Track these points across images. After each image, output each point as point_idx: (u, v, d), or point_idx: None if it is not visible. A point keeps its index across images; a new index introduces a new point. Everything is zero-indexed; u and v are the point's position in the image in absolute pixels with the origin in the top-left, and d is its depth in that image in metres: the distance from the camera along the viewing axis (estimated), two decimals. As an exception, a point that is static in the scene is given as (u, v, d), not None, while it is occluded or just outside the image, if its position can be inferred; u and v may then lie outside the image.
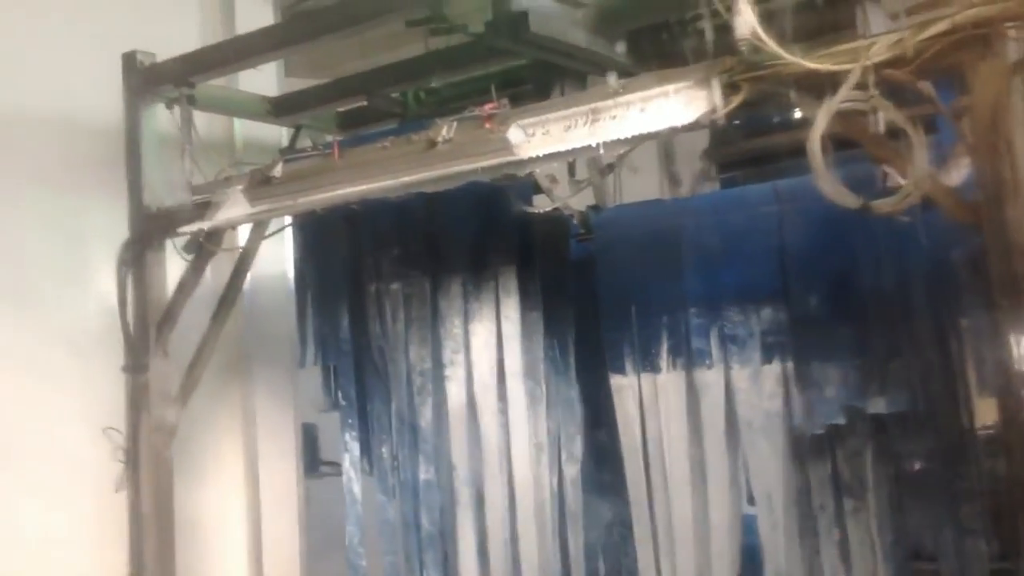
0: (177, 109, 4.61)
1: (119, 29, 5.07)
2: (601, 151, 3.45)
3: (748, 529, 3.87)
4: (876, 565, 3.56)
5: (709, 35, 3.22)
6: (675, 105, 3.21)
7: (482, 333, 4.47)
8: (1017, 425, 2.69)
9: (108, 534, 4.83)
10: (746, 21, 2.94)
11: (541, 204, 4.35)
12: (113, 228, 4.79)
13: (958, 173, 3.10)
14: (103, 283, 4.93)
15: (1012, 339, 2.67)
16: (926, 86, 2.99)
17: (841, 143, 3.02)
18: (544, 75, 4.48)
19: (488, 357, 4.45)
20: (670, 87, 3.23)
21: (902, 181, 2.98)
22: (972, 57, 2.83)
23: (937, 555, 3.50)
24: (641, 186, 4.85)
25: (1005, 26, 2.79)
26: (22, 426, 4.91)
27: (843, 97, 2.89)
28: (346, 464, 4.88)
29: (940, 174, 3.06)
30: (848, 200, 2.90)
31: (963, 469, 3.46)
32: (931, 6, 3.05)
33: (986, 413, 3.33)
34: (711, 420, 3.89)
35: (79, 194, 5.23)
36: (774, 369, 3.76)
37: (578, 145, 3.43)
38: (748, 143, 4.62)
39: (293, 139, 5.27)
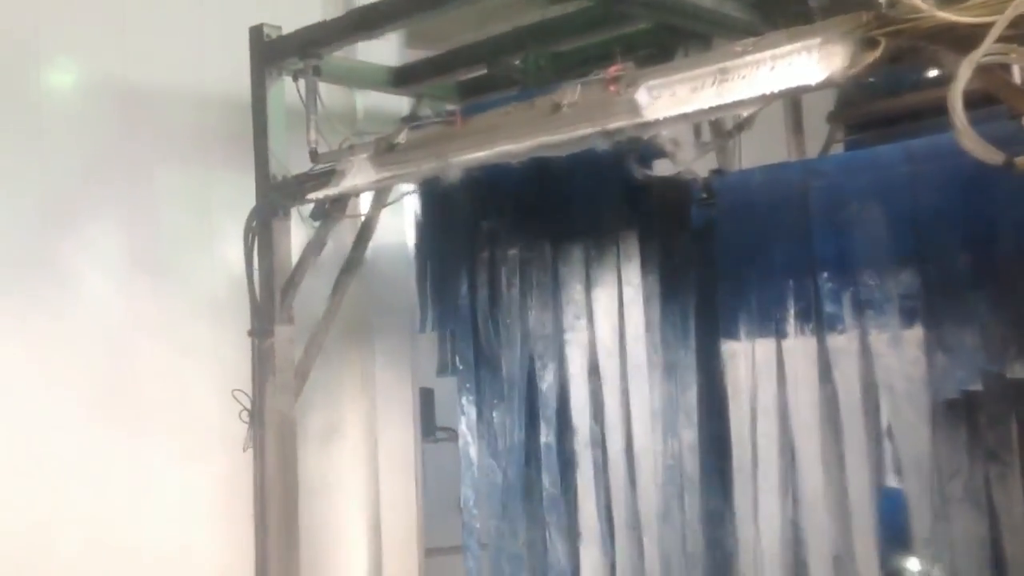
0: (302, 81, 4.71)
1: (245, 3, 5.20)
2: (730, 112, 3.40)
3: (889, 503, 3.79)
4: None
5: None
6: (808, 63, 3.14)
7: (604, 299, 4.46)
8: None
9: (236, 492, 5.02)
10: (884, -27, 2.86)
11: (664, 169, 4.32)
12: (240, 199, 4.94)
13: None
14: (231, 252, 5.11)
15: None
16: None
17: (973, 102, 2.93)
18: (667, 39, 4.45)
19: (610, 322, 4.44)
20: (802, 44, 3.16)
21: (1046, 136, 2.88)
22: None
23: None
24: (767, 150, 4.78)
25: None
26: (158, 390, 5.15)
27: (986, 50, 2.79)
28: (462, 427, 4.93)
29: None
30: (992, 156, 2.81)
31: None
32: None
33: None
34: (846, 387, 3.82)
35: (208, 166, 5.44)
36: (916, 333, 3.64)
37: (705, 106, 3.38)
38: (875, 104, 4.49)
39: (414, 108, 5.34)
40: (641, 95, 3.47)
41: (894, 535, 3.72)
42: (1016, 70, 3.01)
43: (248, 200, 4.89)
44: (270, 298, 4.84)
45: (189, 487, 5.17)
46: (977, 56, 2.81)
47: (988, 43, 2.80)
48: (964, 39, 2.87)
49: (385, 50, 5.57)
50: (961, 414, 3.58)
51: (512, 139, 3.87)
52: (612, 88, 3.58)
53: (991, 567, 3.54)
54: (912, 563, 3.72)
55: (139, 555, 5.00)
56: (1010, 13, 2.78)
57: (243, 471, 4.89)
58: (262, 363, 4.86)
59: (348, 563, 5.57)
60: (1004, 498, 3.52)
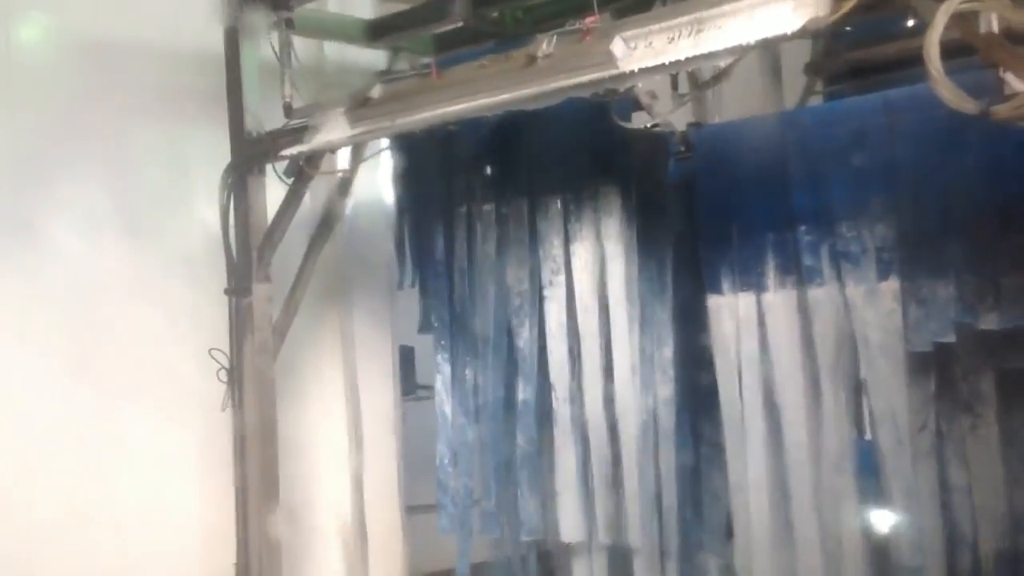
0: (275, 34, 4.64)
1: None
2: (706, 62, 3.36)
3: (863, 453, 3.81)
4: (998, 480, 3.48)
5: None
6: (784, 12, 3.09)
7: (582, 254, 4.46)
8: None
9: (215, 452, 5.01)
10: (860, -81, 2.82)
11: (642, 121, 4.28)
12: (215, 156, 4.88)
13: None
14: (206, 210, 5.04)
15: None
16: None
17: (948, 52, 2.90)
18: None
19: (588, 278, 4.44)
20: (778, -7, 3.12)
21: (1021, 87, 2.85)
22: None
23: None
24: (746, 102, 4.75)
25: None
26: (134, 349, 5.10)
27: (964, -3, 2.76)
28: (438, 385, 4.95)
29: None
30: (967, 105, 2.79)
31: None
32: None
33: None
34: (823, 339, 3.82)
35: (183, 123, 5.35)
36: (891, 285, 3.66)
37: (682, 57, 3.34)
38: (853, 55, 4.46)
39: (390, 62, 5.27)
40: (617, 46, 3.42)
41: (871, 486, 3.75)
42: (993, 19, 2.97)
43: (224, 157, 4.84)
44: (247, 256, 4.80)
45: (167, 446, 5.15)
46: (953, 4, 2.78)
47: (964, -10, 2.77)
48: (941, -13, 2.85)
49: (360, 3, 5.49)
50: (933, 366, 3.59)
51: (488, 92, 3.82)
52: (587, 39, 3.54)
53: (962, 517, 3.58)
54: (887, 514, 3.74)
55: (116, 514, 4.99)
56: (987, -41, 2.76)
57: (222, 430, 4.88)
58: (240, 322, 4.83)
59: (329, 521, 5.56)
60: (977, 449, 3.54)
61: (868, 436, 3.87)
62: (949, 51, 2.87)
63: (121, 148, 5.19)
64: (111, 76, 5.17)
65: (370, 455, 5.67)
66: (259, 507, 4.75)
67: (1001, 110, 2.81)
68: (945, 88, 2.80)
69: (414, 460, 5.97)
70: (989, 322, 3.49)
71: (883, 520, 3.77)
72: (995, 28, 2.87)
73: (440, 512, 4.91)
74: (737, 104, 4.68)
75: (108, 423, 5.03)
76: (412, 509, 5.87)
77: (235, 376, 4.81)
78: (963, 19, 2.87)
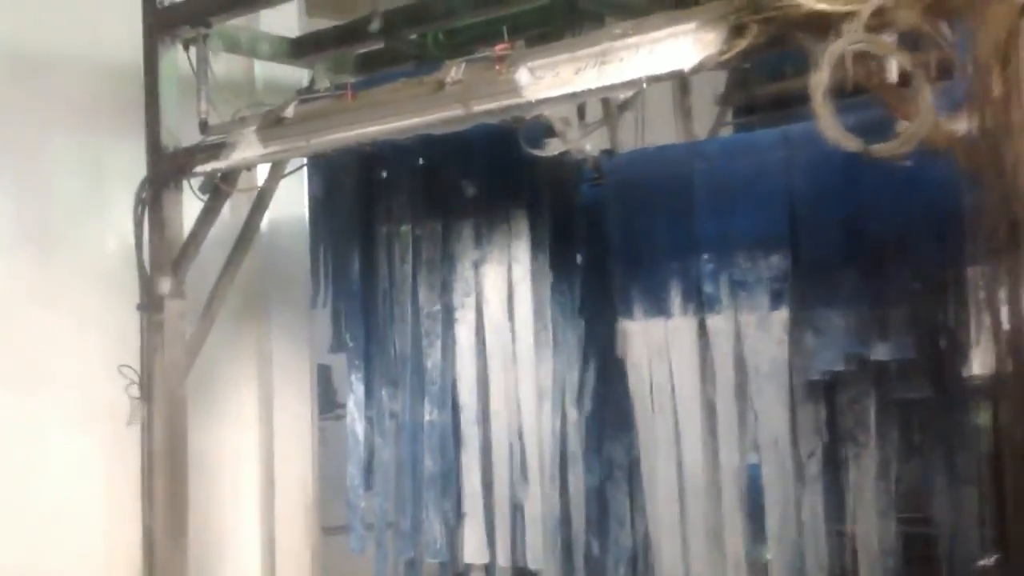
0: (194, 49, 4.64)
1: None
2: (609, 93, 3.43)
3: (752, 477, 3.89)
4: (875, 509, 3.58)
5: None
6: (683, 47, 3.18)
7: (492, 276, 4.50)
8: (1009, 376, 2.68)
9: (121, 468, 4.97)
10: (753, -40, 2.91)
11: (556, 147, 4.33)
12: (132, 169, 4.86)
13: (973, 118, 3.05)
14: (122, 223, 5.01)
15: (1008, 288, 2.65)
16: (941, 28, 2.94)
17: (861, 89, 2.99)
18: (563, 18, 4.46)
19: (498, 300, 4.47)
20: (678, 28, 3.19)
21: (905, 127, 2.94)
22: (982, -3, 2.78)
23: (932, 502, 3.52)
24: (659, 130, 4.83)
25: (1017, -34, 2.74)
26: (44, 360, 5.04)
27: (849, 40, 2.85)
28: (350, 404, 4.94)
29: (951, 120, 3.02)
30: (850, 143, 2.88)
31: (962, 417, 3.45)
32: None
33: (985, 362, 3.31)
34: (721, 366, 3.91)
35: (100, 134, 5.32)
36: (782, 315, 3.76)
37: (587, 88, 3.41)
38: (764, 88, 4.58)
39: (312, 81, 5.28)
40: (522, 75, 3.48)
41: (759, 510, 3.82)
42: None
43: (141, 170, 4.81)
44: (160, 271, 4.77)
45: (74, 458, 5.08)
46: (839, 46, 2.86)
47: (850, 33, 2.86)
48: (831, 28, 2.93)
49: (286, 20, 5.50)
50: (823, 394, 3.68)
51: (399, 116, 3.86)
52: (497, 66, 3.59)
53: (841, 544, 3.67)
54: (770, 538, 3.82)
55: (19, 523, 4.89)
56: (872, 3, 2.85)
57: (130, 443, 4.83)
58: (151, 337, 4.80)
59: (240, 539, 5.52)
60: (858, 477, 3.63)
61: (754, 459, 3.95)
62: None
63: (35, 159, 5.15)
64: (28, 85, 5.13)
65: (283, 474, 5.63)
66: (166, 524, 4.71)
67: (882, 149, 2.90)
68: (829, 126, 2.89)
69: (333, 480, 5.94)
70: (880, 353, 3.59)
71: (766, 544, 3.84)
72: (893, 70, 2.97)
73: (350, 532, 4.89)
74: (653, 132, 4.76)
75: (18, 430, 4.95)
76: (329, 530, 5.83)
77: (145, 392, 4.77)
78: (858, 60, 2.96)
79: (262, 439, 5.60)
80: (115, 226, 5.18)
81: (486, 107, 3.60)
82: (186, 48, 4.66)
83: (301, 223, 5.63)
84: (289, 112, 4.15)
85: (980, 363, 3.34)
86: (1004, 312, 2.70)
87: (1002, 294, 2.71)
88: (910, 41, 2.93)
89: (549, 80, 3.47)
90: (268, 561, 5.53)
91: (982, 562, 3.41)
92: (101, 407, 4.99)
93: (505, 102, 3.54)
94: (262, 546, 5.54)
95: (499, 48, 3.60)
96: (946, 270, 3.46)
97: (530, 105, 3.52)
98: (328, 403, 6.22)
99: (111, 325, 5.04)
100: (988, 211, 2.75)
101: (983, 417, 3.40)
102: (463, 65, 3.65)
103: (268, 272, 5.63)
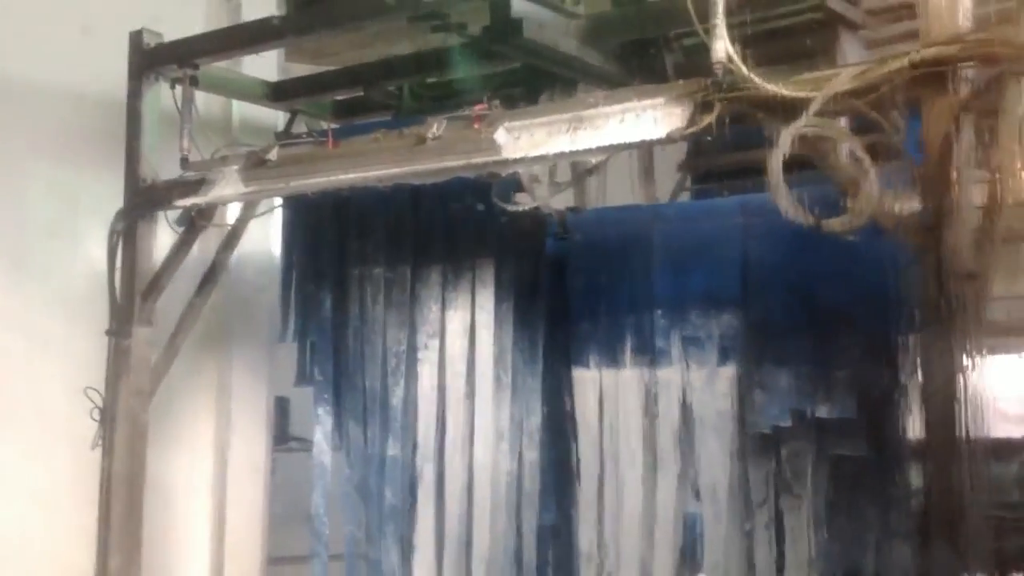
0: (179, 88, 4.79)
1: (127, 7, 5.23)
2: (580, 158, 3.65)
3: (690, 524, 4.11)
4: (809, 560, 3.80)
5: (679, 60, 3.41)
6: (651, 119, 3.42)
7: (457, 321, 4.70)
8: (939, 439, 2.92)
9: (81, 491, 5.02)
10: (722, 46, 3.17)
11: (525, 202, 4.55)
12: (108, 199, 4.98)
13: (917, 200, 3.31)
14: (94, 250, 5.12)
15: (942, 357, 2.90)
16: (894, 116, 3.20)
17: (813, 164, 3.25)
18: (536, 79, 4.68)
19: (461, 344, 4.67)
20: (647, 102, 3.43)
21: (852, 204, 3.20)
22: (928, 92, 3.05)
23: (865, 556, 3.75)
24: (620, 192, 5.08)
25: (960, 66, 3.02)
26: (8, 381, 5.09)
27: (805, 123, 3.11)
28: (317, 436, 5.07)
29: (897, 199, 3.27)
30: (802, 217, 3.13)
31: (895, 476, 3.70)
32: (907, 39, 3.26)
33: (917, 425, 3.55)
34: (667, 416, 4.14)
35: (79, 164, 5.41)
36: (728, 371, 4.01)
37: (560, 150, 3.63)
38: (724, 157, 4.84)
39: (289, 124, 5.45)
40: (500, 135, 3.70)
41: (696, 557, 4.04)
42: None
43: (117, 201, 4.94)
44: (130, 299, 4.89)
45: (34, 480, 5.12)
46: (796, 128, 3.13)
47: (806, 117, 3.13)
48: (789, 110, 3.20)
49: (265, 63, 5.66)
50: (768, 447, 3.92)
51: (380, 165, 4.05)
52: (476, 125, 3.80)
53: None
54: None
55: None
56: (827, 91, 3.12)
57: (90, 468, 4.90)
58: (117, 363, 4.90)
59: (189, 566, 5.59)
60: (794, 527, 3.86)
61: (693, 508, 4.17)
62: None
63: (14, 183, 5.22)
64: (10, 112, 5.22)
65: (235, 504, 5.72)
66: (120, 548, 4.78)
67: (834, 223, 3.16)
68: (784, 199, 3.15)
69: (283, 511, 6.03)
70: (823, 411, 3.84)
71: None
72: (844, 152, 3.23)
73: (313, 561, 5.01)
74: (616, 192, 5.00)
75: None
76: (275, 560, 5.92)
77: (107, 416, 4.86)
78: (812, 141, 3.22)
79: (216, 468, 5.69)
80: (87, 253, 5.28)
81: (464, 162, 3.80)
82: (172, 86, 4.80)
83: (267, 260, 5.79)
84: (272, 155, 4.31)
85: (913, 425, 3.60)
86: (935, 379, 2.95)
87: (934, 363, 2.97)
88: (863, 125, 3.21)
89: (525, 141, 3.69)
90: (216, 588, 5.61)
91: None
92: (64, 431, 5.06)
93: (483, 159, 3.75)
94: (211, 573, 5.61)
95: (478, 108, 3.82)
96: (887, 337, 3.72)
97: (507, 163, 3.73)
98: (283, 435, 6.31)
99: (77, 350, 5.12)
100: (926, 286, 3.02)
101: (915, 477, 3.65)
102: (444, 122, 3.85)
103: (232, 305, 5.76)
